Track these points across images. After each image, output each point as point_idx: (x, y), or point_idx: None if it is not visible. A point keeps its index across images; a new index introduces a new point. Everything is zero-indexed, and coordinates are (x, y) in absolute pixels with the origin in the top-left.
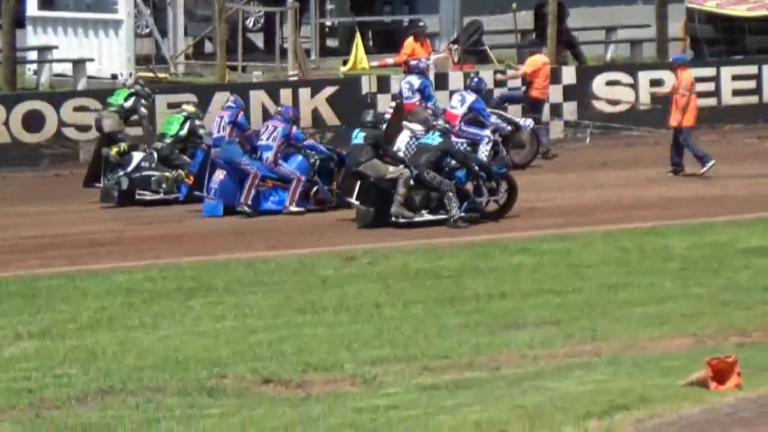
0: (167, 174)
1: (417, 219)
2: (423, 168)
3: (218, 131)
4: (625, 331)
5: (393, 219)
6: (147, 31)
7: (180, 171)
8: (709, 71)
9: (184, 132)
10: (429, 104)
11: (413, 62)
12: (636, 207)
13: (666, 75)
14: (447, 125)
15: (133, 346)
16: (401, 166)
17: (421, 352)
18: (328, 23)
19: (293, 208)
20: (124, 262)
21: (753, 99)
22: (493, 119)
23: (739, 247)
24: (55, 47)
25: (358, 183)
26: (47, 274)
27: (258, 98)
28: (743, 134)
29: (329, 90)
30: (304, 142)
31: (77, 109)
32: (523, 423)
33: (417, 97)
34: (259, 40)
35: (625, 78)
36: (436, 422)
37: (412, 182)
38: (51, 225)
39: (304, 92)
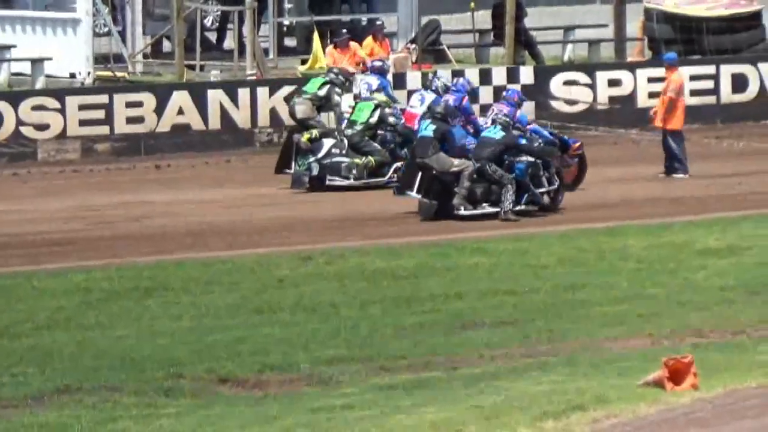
0: (357, 160)
1: (478, 212)
2: (485, 161)
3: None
4: (581, 332)
5: (455, 211)
6: (105, 30)
7: (370, 158)
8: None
9: (374, 119)
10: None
11: (376, 62)
12: (595, 207)
13: (624, 75)
14: (508, 119)
15: (90, 345)
16: (464, 160)
17: (378, 352)
18: (287, 22)
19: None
20: (81, 262)
21: (711, 99)
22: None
23: (697, 248)
24: (13, 46)
25: (419, 176)
26: (4, 273)
27: (216, 97)
28: (701, 134)
29: (287, 89)
30: (528, 126)
31: (35, 108)
32: (479, 423)
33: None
34: (229, 39)
35: (582, 78)
36: (393, 422)
37: (474, 175)
38: (8, 224)
39: (262, 91)
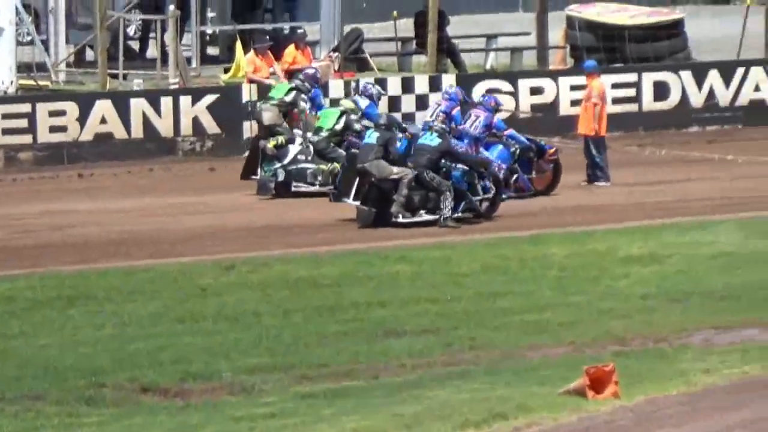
0: (323, 167)
1: (416, 219)
2: (422, 169)
3: (431, 117)
4: (503, 340)
5: (393, 219)
6: (29, 39)
7: (335, 164)
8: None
9: (339, 126)
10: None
11: (309, 71)
12: (518, 215)
13: (546, 83)
14: (444, 126)
15: (13, 354)
16: (403, 168)
17: (300, 361)
18: (209, 31)
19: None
20: (4, 271)
21: (633, 107)
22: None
23: (619, 256)
24: None
25: (357, 183)
26: None
27: (139, 106)
28: (623, 142)
29: (210, 98)
30: (506, 132)
31: None
32: (401, 431)
33: (308, 105)
34: (152, 48)
35: (505, 86)
36: (315, 431)
37: (413, 183)
38: None
39: (185, 100)
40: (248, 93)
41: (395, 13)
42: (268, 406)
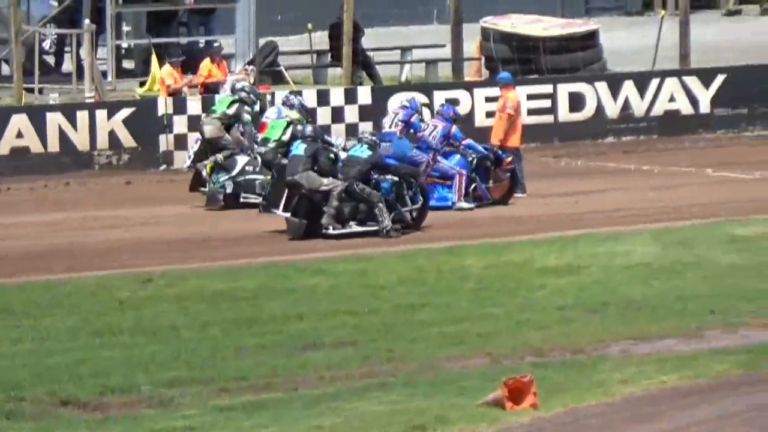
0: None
1: (347, 230)
2: (353, 180)
3: (389, 127)
4: (421, 352)
5: (324, 230)
6: None
7: None
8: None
9: (286, 137)
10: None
11: (238, 85)
12: (433, 227)
13: (461, 94)
14: (374, 138)
15: None
16: (333, 179)
17: (218, 374)
18: (125, 45)
19: (464, 204)
20: None
21: (548, 118)
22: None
23: (536, 267)
24: None
25: (285, 194)
26: None
27: (55, 120)
28: (539, 153)
29: (125, 112)
30: (463, 142)
31: None
32: None
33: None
34: (68, 62)
35: (420, 98)
36: None
37: (343, 194)
38: None
39: (101, 114)
40: (164, 106)
41: (310, 25)
42: (187, 419)
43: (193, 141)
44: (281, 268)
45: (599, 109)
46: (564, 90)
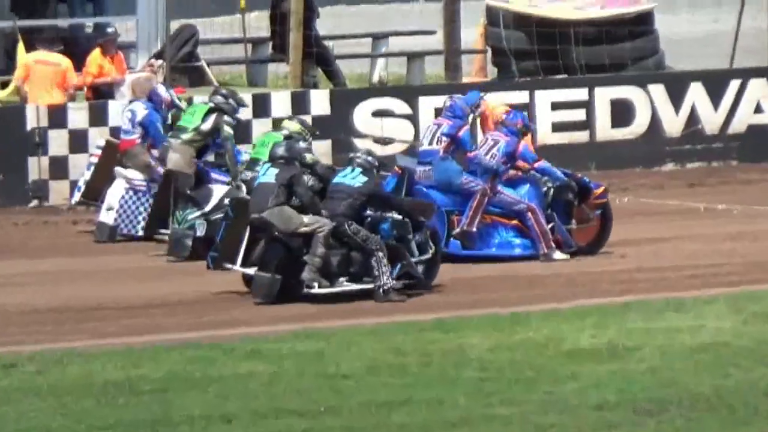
0: None
1: (337, 289)
2: (342, 219)
3: (430, 143)
4: None
5: (306, 289)
6: None
7: None
8: (520, 96)
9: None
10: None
11: (156, 87)
12: (418, 290)
13: None
14: (370, 158)
15: None
16: (318, 217)
17: None
18: None
19: (557, 255)
20: None
21: (582, 136)
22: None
23: (564, 349)
24: None
25: (245, 240)
26: None
27: None
28: None
29: None
30: (536, 164)
31: None
32: None
33: (138, 132)
34: None
35: (399, 106)
36: None
37: (331, 239)
38: None
39: None
40: (35, 117)
41: (243, 1)
42: None
43: (85, 167)
44: (202, 348)
45: (654, 123)
46: (604, 96)
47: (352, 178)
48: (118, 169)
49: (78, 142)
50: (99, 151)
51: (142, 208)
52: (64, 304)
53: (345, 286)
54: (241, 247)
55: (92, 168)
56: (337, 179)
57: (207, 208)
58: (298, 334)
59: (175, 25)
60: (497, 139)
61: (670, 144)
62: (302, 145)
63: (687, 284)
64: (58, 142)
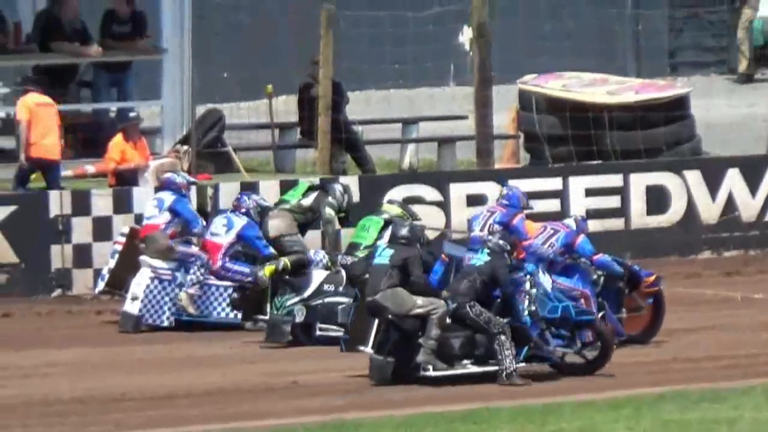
0: None
1: (455, 372)
2: (463, 300)
3: (481, 229)
4: None
5: (421, 372)
6: None
7: None
8: (553, 183)
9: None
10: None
11: (169, 176)
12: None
13: (490, 188)
14: (501, 242)
15: None
16: (433, 298)
17: None
18: (1, 114)
19: None
20: None
21: (617, 223)
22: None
23: None
24: None
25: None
26: None
27: None
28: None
29: (2, 212)
30: (595, 258)
31: None
32: None
33: (164, 217)
34: None
35: (430, 193)
36: None
37: (449, 320)
38: None
39: None
40: (58, 204)
41: (270, 87)
42: None
43: (109, 255)
44: None
45: (690, 210)
46: (639, 182)
47: (478, 259)
48: (144, 257)
49: (102, 229)
50: (123, 239)
51: (167, 298)
52: (87, 394)
53: (466, 368)
54: (372, 329)
55: (116, 256)
56: (469, 262)
57: (306, 294)
58: (325, 425)
59: (200, 110)
60: (556, 229)
61: (706, 231)
62: (404, 227)
63: (724, 375)
64: (81, 229)
